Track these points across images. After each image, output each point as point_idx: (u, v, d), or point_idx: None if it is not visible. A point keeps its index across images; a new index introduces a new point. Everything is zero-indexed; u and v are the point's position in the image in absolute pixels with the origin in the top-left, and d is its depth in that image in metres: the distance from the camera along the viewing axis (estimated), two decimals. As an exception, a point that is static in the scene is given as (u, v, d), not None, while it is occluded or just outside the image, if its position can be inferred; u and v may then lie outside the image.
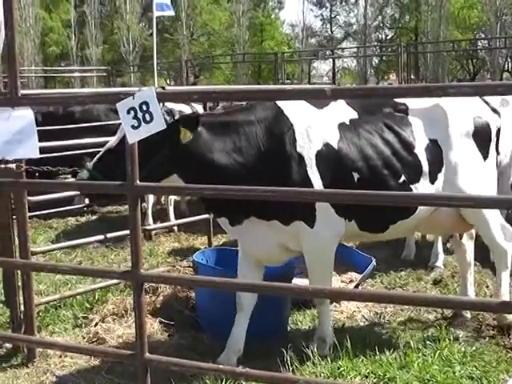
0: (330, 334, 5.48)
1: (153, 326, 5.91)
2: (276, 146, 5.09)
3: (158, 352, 4.39)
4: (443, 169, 5.53)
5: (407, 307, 6.29)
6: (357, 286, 6.79)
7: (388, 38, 51.91)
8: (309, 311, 6.38)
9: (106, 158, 4.92)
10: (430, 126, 5.51)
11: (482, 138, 5.74)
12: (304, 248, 5.30)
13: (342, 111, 5.38)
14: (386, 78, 49.51)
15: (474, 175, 5.65)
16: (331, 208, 5.14)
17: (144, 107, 3.24)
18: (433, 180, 5.50)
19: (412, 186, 5.39)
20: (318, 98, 4.67)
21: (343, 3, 55.11)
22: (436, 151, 5.52)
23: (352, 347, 5.18)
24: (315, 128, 5.19)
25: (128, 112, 3.26)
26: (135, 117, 3.25)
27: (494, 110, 5.94)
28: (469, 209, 5.46)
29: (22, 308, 5.62)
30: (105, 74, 29.62)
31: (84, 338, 5.94)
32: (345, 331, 5.86)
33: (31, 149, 3.75)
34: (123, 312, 6.15)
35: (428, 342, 5.47)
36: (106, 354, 3.83)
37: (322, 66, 54.37)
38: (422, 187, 5.42)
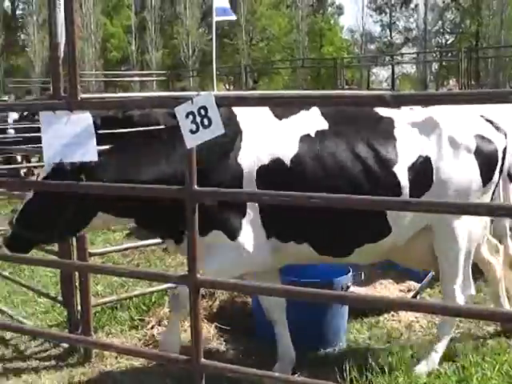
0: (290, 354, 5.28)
1: (209, 330, 5.91)
2: (215, 153, 4.50)
3: (214, 357, 4.38)
4: (431, 190, 4.88)
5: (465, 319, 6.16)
6: (415, 296, 6.69)
7: (448, 43, 51.20)
8: (366, 319, 6.30)
9: (27, 211, 4.60)
10: (420, 141, 4.89)
11: (486, 159, 5.04)
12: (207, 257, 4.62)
13: (310, 122, 4.81)
14: (445, 83, 48.79)
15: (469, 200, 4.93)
16: (263, 230, 4.67)
17: (202, 112, 3.23)
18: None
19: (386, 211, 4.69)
20: (377, 106, 4.54)
21: (403, 8, 54.69)
22: (425, 170, 4.87)
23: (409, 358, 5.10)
24: (268, 140, 4.69)
25: (186, 116, 3.25)
26: (193, 121, 3.24)
27: (498, 129, 5.23)
28: (437, 240, 5.02)
29: (80, 308, 5.70)
30: (164, 79, 29.89)
31: (140, 340, 5.97)
32: (402, 341, 5.78)
33: (89, 152, 3.78)
34: (179, 316, 6.16)
35: (487, 356, 5.33)
36: (161, 358, 3.82)
37: (382, 72, 54.03)
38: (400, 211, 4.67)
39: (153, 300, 6.60)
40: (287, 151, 4.65)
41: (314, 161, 4.66)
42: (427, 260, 5.26)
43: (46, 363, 5.68)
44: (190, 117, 3.24)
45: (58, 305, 6.60)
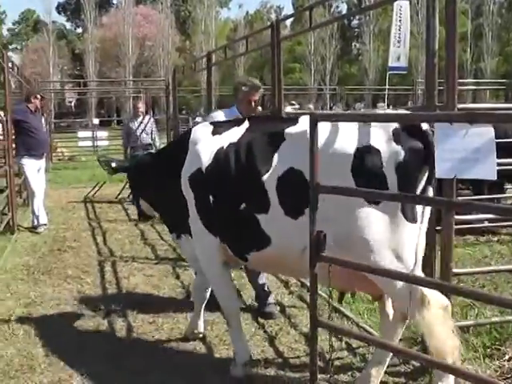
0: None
1: None
2: (175, 167, 5.58)
3: None
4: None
5: None
6: None
7: None
8: None
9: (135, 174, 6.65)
10: (293, 153, 4.61)
11: (365, 176, 4.30)
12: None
13: (231, 135, 5.24)
14: None
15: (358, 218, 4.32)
16: (202, 225, 5.40)
17: None
18: (295, 214, 4.60)
19: (259, 216, 4.85)
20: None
21: None
22: (300, 186, 4.42)
23: None
24: (199, 153, 5.37)
25: None
26: None
27: (397, 140, 4.28)
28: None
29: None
30: (501, 87, 28.69)
31: (496, 371, 5.53)
32: None
33: (488, 169, 3.46)
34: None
35: None
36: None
37: None
38: (274, 219, 4.74)
39: (510, 330, 6.10)
40: (205, 161, 5.31)
41: (215, 169, 5.23)
42: (345, 280, 4.63)
43: (396, 379, 5.55)
44: None
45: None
